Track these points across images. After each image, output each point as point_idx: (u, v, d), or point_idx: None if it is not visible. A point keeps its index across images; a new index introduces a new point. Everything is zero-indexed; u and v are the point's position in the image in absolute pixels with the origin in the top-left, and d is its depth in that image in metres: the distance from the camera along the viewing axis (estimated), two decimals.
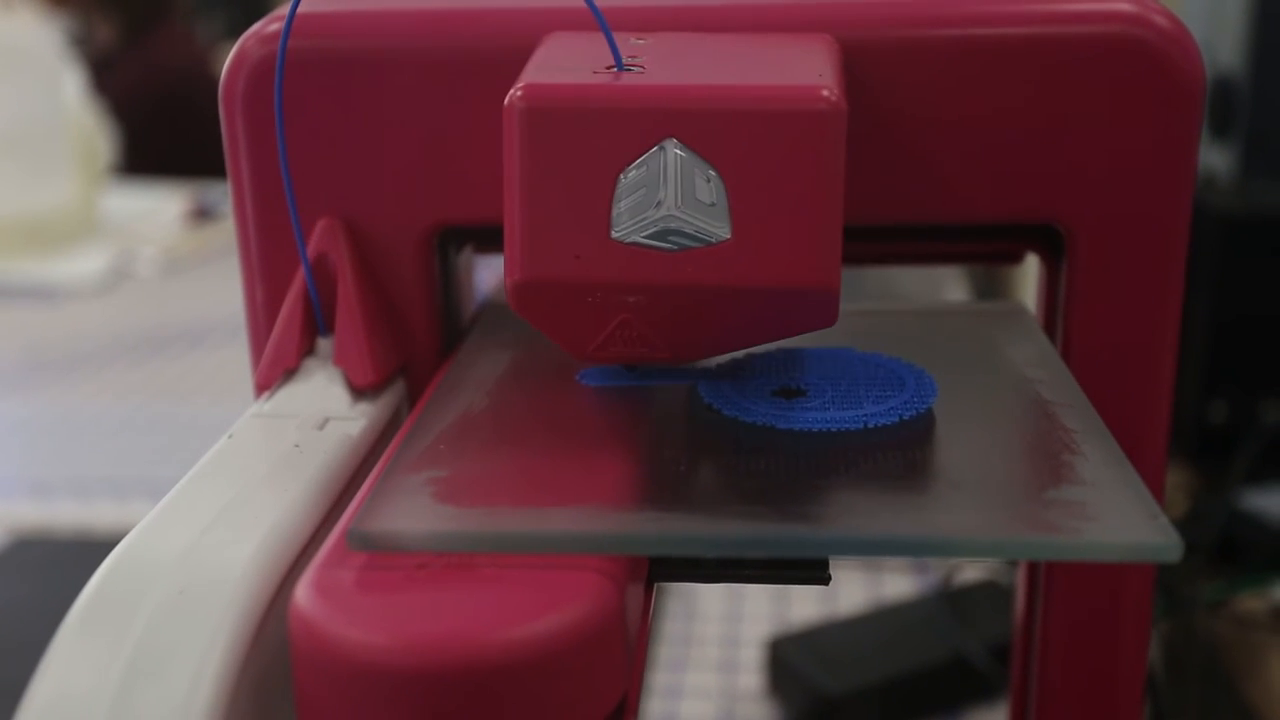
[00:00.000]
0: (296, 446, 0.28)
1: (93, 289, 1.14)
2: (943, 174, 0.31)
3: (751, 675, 0.55)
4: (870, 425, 0.27)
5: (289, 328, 0.31)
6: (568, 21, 0.30)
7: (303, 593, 0.22)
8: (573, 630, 0.21)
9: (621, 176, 0.26)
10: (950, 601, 0.56)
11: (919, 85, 0.30)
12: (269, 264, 0.32)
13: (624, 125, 0.26)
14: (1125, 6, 0.30)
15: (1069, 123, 0.30)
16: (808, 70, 0.27)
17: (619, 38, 0.27)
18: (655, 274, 0.26)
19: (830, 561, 0.24)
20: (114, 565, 0.23)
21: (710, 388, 0.29)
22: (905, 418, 0.28)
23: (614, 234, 0.26)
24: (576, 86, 0.26)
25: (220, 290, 1.12)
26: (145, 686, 0.21)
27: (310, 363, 0.31)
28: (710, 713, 0.53)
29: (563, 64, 0.27)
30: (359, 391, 0.31)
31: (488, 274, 0.39)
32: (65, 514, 0.71)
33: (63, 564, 0.65)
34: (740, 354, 0.31)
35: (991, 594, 0.57)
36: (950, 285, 1.02)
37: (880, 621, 0.56)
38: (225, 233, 1.28)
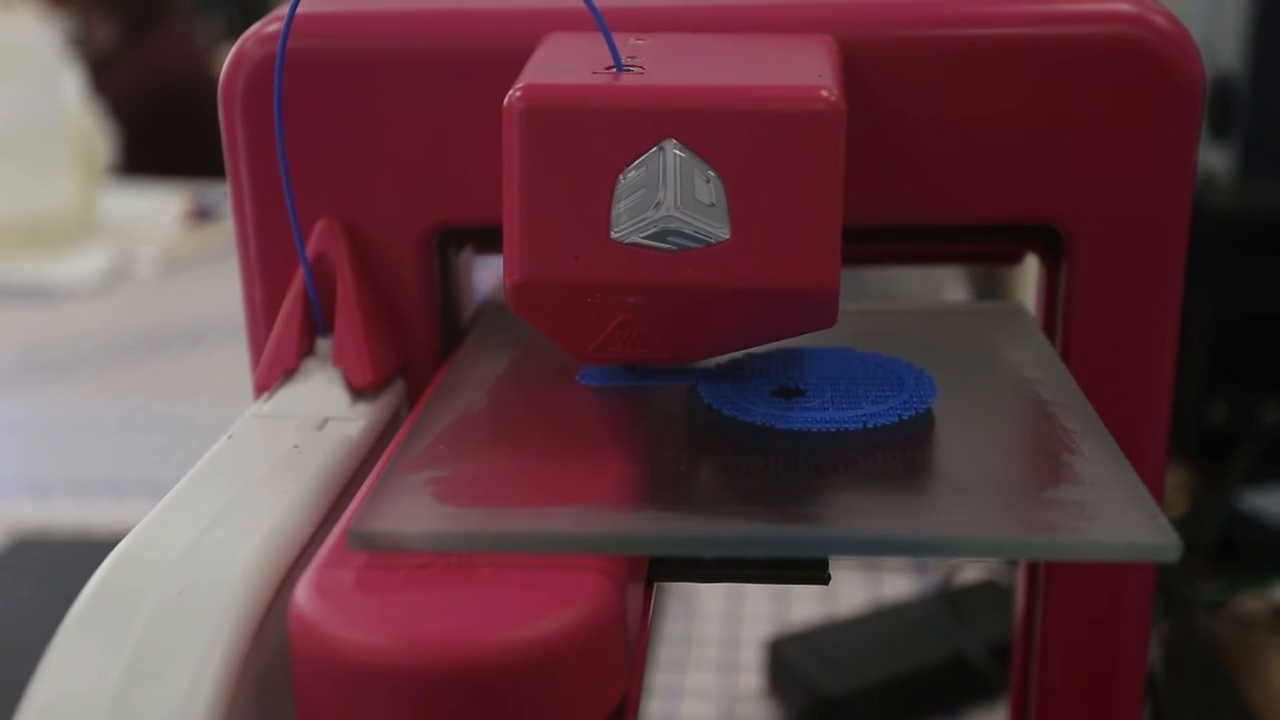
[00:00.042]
0: (296, 447, 0.28)
1: (92, 289, 1.14)
2: (942, 174, 0.31)
3: (751, 675, 0.55)
4: (870, 425, 0.27)
5: (288, 328, 0.31)
6: (567, 21, 0.30)
7: (302, 593, 0.22)
8: (573, 631, 0.21)
9: (621, 177, 0.26)
10: (950, 601, 0.56)
11: (919, 85, 0.30)
12: (268, 264, 0.32)
13: (623, 126, 0.26)
14: (1125, 7, 0.30)
15: (1069, 123, 0.30)
16: (807, 70, 0.27)
17: (618, 38, 0.27)
18: (655, 274, 0.26)
19: (830, 561, 0.24)
20: (113, 565, 0.23)
21: (710, 388, 0.29)
22: (905, 418, 0.28)
23: (613, 234, 0.26)
24: (576, 87, 0.26)
25: (219, 290, 1.12)
26: (145, 687, 0.21)
27: (310, 363, 0.31)
28: (710, 713, 0.53)
29: (562, 64, 0.27)
30: (358, 392, 0.31)
31: (487, 274, 0.39)
32: (64, 514, 0.71)
33: (62, 564, 0.65)
34: (740, 354, 0.31)
35: (991, 594, 0.57)
36: (950, 285, 1.02)
37: (880, 622, 0.56)
38: (225, 233, 1.28)
